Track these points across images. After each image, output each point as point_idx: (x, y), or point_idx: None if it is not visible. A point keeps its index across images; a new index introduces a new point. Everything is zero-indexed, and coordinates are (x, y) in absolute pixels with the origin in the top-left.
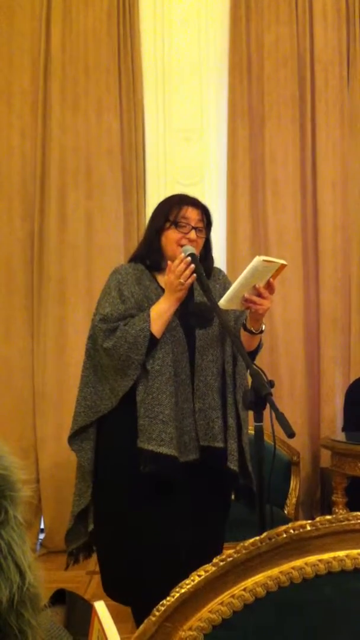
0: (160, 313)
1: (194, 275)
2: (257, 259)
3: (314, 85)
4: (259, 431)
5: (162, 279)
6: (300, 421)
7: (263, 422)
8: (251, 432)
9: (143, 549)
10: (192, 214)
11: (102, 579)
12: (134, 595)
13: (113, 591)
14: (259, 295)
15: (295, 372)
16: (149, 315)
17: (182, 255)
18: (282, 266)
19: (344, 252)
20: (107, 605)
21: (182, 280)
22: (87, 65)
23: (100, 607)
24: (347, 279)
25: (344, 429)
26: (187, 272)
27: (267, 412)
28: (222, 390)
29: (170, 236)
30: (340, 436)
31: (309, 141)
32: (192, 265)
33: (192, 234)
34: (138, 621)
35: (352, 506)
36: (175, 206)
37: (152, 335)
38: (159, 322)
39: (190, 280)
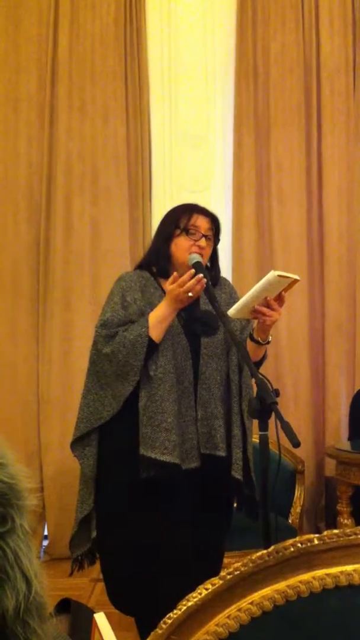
0: (160, 319)
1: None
2: (272, 274)
3: (320, 93)
4: (264, 440)
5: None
6: (305, 429)
7: (268, 430)
8: (255, 440)
9: (144, 555)
10: (202, 223)
11: (106, 587)
12: (138, 603)
13: (117, 599)
14: (269, 306)
15: (299, 380)
16: (147, 321)
17: (193, 270)
18: (295, 281)
19: (349, 259)
20: (110, 614)
21: (191, 295)
22: (94, 71)
23: (101, 619)
24: (352, 286)
25: (349, 438)
26: (198, 287)
27: (271, 421)
28: (226, 399)
29: (180, 244)
30: (345, 445)
31: (314, 148)
32: (204, 281)
33: (202, 242)
34: (141, 631)
35: (357, 515)
36: (185, 214)
37: (151, 340)
38: (159, 327)
39: (197, 295)
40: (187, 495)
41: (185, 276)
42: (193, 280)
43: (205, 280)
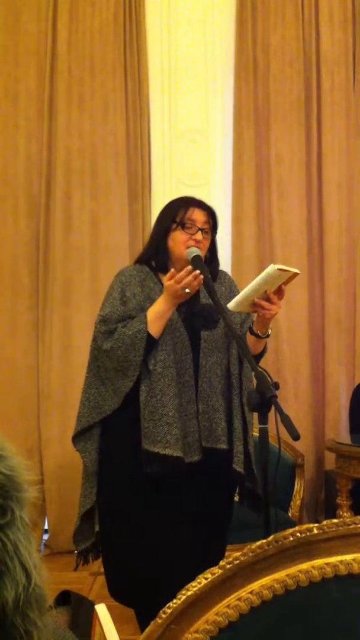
0: (159, 315)
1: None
2: (272, 267)
3: (320, 86)
4: (264, 433)
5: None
6: (305, 423)
7: (268, 424)
8: (255, 434)
9: (146, 549)
10: (198, 216)
11: (107, 580)
12: (138, 596)
13: (117, 592)
14: (268, 300)
15: (299, 374)
16: (146, 317)
17: (190, 267)
18: (295, 274)
19: (348, 253)
20: (110, 607)
21: (188, 290)
22: (93, 66)
23: (102, 610)
24: (352, 280)
25: (350, 432)
26: (195, 283)
27: (271, 414)
28: (227, 392)
29: (177, 237)
30: (345, 438)
31: (314, 142)
32: (201, 277)
33: (199, 235)
34: (141, 623)
35: (356, 509)
36: (181, 208)
37: (150, 336)
38: (157, 323)
39: (194, 291)
40: (189, 489)
41: (182, 273)
42: (190, 277)
43: (202, 276)
